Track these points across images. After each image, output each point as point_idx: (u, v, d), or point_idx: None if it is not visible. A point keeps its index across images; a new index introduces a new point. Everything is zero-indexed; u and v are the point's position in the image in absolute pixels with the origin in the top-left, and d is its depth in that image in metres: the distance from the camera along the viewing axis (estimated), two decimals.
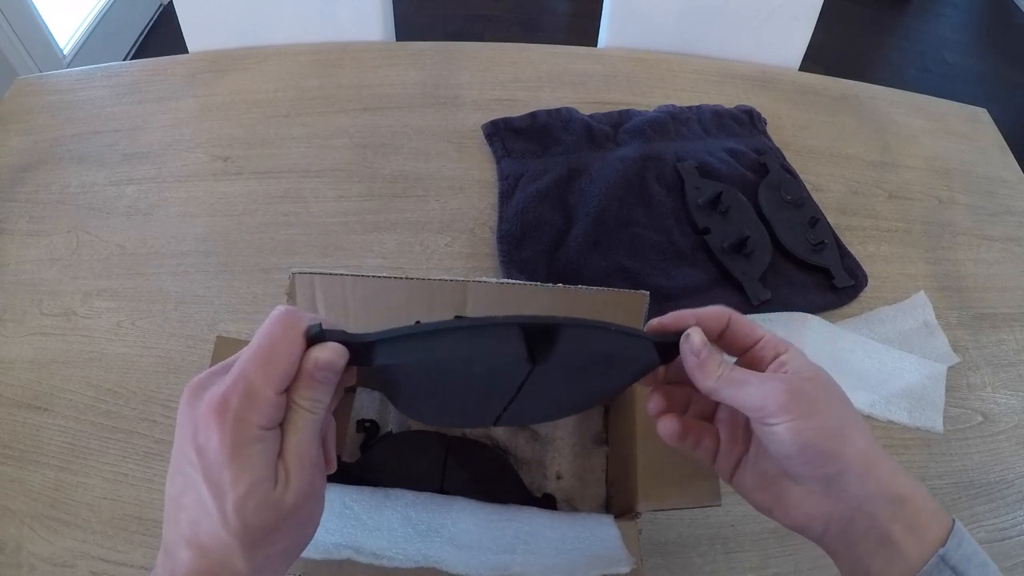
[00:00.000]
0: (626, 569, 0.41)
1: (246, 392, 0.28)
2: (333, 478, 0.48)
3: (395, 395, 0.36)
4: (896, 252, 0.76)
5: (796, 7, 0.98)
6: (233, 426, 0.27)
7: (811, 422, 0.30)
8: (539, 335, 0.31)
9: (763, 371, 0.33)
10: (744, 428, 0.36)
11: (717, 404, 0.37)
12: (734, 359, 0.35)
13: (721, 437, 0.37)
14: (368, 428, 0.55)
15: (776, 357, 0.33)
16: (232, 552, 0.27)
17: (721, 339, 0.35)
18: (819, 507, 0.31)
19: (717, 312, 0.35)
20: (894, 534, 0.29)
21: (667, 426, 0.36)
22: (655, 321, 0.36)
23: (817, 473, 0.31)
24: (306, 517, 0.29)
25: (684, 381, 0.35)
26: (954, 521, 0.30)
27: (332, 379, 0.30)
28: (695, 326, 0.34)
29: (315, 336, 0.31)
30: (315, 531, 0.30)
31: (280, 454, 0.28)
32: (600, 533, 0.43)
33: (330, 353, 0.30)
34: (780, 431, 0.30)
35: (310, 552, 0.39)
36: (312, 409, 0.29)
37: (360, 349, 0.31)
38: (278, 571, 0.29)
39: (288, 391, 0.29)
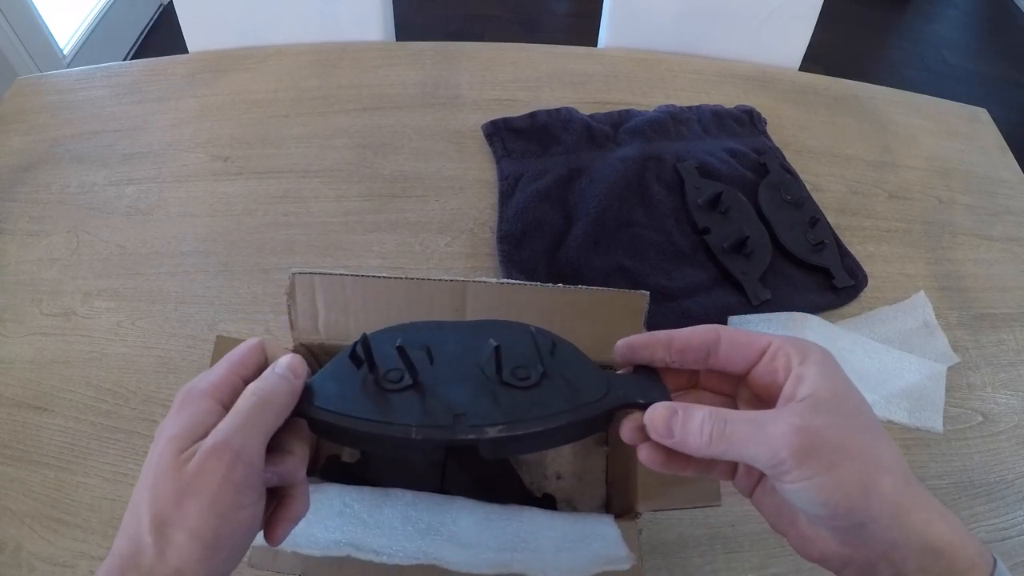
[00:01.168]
0: (626, 566, 0.41)
1: (206, 373, 0.31)
2: (333, 478, 0.48)
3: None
4: (896, 252, 0.76)
5: (796, 7, 0.98)
6: (186, 393, 0.30)
7: (831, 477, 0.25)
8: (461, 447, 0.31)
9: (779, 388, 0.28)
10: None
11: None
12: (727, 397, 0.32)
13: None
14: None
15: (790, 370, 0.28)
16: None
17: (713, 361, 0.31)
18: (839, 549, 0.28)
19: (699, 334, 0.30)
20: None
21: (648, 456, 0.31)
22: (622, 343, 0.32)
23: (839, 525, 0.27)
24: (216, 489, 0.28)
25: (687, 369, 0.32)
26: (996, 562, 0.26)
27: (292, 376, 0.31)
28: (657, 405, 0.29)
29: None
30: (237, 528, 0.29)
31: (214, 434, 0.28)
32: (600, 532, 0.43)
33: (290, 356, 0.32)
34: (796, 488, 0.26)
35: (310, 549, 0.39)
36: (263, 402, 0.29)
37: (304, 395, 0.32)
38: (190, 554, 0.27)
39: (248, 388, 0.30)
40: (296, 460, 0.31)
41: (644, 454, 0.31)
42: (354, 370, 0.33)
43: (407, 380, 0.32)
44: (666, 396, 0.31)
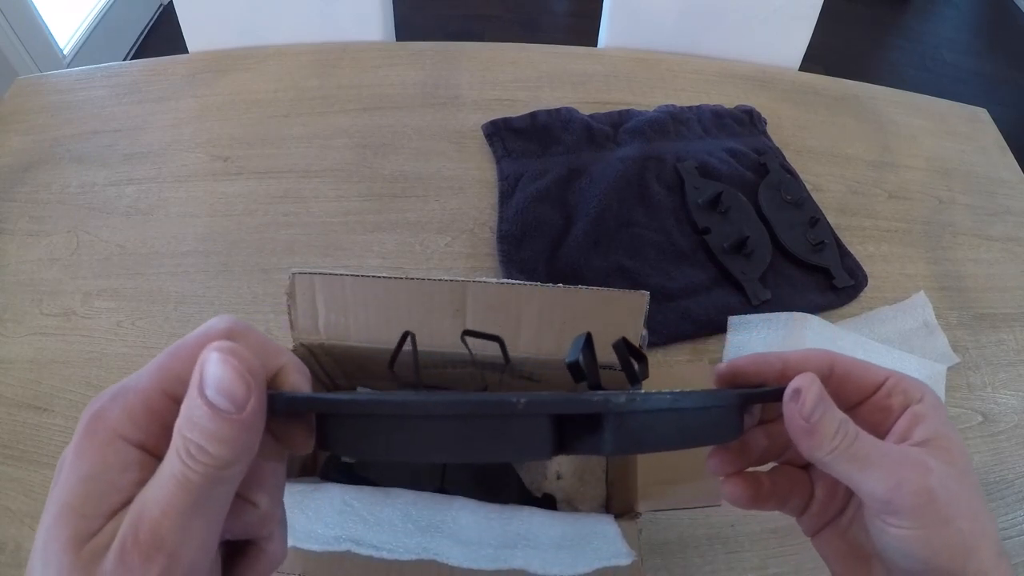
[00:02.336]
0: (627, 561, 0.41)
1: (122, 389, 0.20)
2: (332, 478, 0.48)
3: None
4: (896, 252, 0.76)
5: (796, 7, 0.98)
6: (90, 429, 0.19)
7: (942, 533, 0.24)
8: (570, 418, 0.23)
9: (889, 424, 0.26)
10: (846, 488, 0.28)
11: None
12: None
13: (816, 494, 0.29)
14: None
15: (906, 407, 0.26)
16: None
17: (828, 386, 0.27)
18: None
19: (814, 360, 0.27)
20: None
21: (734, 492, 0.28)
22: (724, 366, 0.29)
23: None
24: None
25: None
26: None
27: (231, 409, 0.19)
28: (808, 374, 0.25)
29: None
30: None
31: (134, 519, 0.18)
32: (600, 530, 0.43)
33: (223, 356, 0.19)
34: (901, 535, 0.24)
35: (310, 544, 0.39)
36: (188, 460, 0.18)
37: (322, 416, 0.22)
38: None
39: (176, 428, 0.19)
40: (261, 514, 0.22)
41: (731, 489, 0.28)
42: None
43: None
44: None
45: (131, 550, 0.18)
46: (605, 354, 0.29)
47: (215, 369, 0.19)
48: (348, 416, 0.21)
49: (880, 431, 0.27)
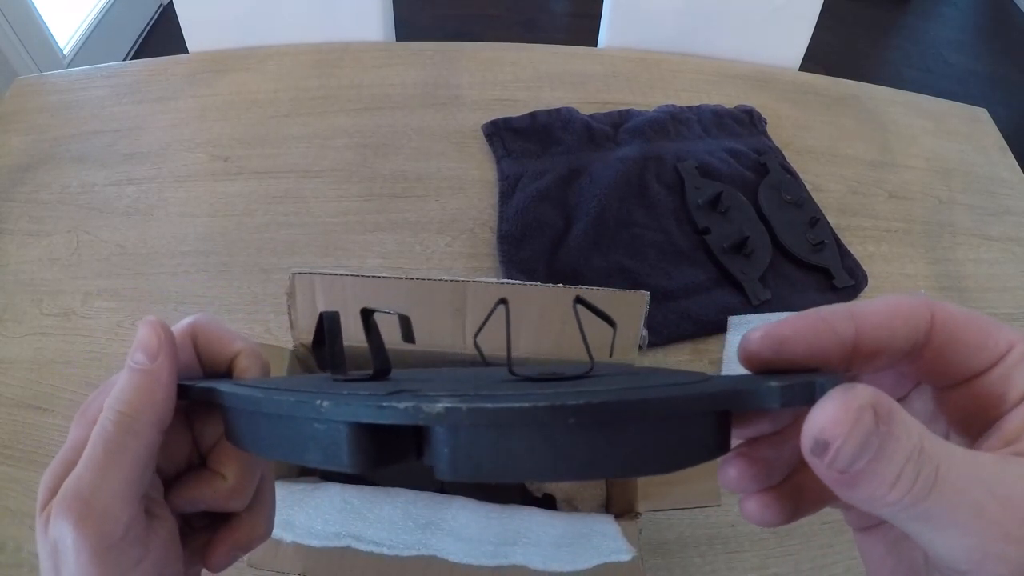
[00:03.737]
0: (627, 557, 0.41)
1: (105, 388, 0.23)
2: (332, 477, 0.48)
3: None
4: (896, 252, 0.76)
5: (796, 7, 0.98)
6: (78, 419, 0.23)
7: None
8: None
9: (996, 416, 0.18)
10: None
11: None
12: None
13: None
14: None
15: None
16: None
17: (919, 361, 0.19)
18: None
19: (905, 311, 0.18)
20: None
21: (756, 510, 0.20)
22: (758, 337, 0.19)
23: None
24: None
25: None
26: None
27: (146, 371, 0.22)
28: (845, 407, 0.15)
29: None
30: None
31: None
32: (600, 529, 0.43)
33: (146, 327, 0.22)
34: None
35: (310, 540, 0.39)
36: (107, 412, 0.22)
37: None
38: None
39: None
40: (229, 487, 0.24)
41: (754, 508, 0.20)
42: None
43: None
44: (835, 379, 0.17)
45: (57, 504, 0.20)
46: (605, 355, 0.27)
47: (141, 332, 0.22)
48: (227, 408, 0.21)
49: (980, 422, 0.19)
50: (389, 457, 0.18)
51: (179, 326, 0.24)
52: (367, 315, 0.22)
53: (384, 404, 0.16)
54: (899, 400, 0.20)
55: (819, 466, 0.16)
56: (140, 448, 0.21)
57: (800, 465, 0.21)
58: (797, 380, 0.16)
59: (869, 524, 0.22)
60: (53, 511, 0.20)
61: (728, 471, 0.20)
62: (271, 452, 0.20)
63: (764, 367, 0.19)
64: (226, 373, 0.25)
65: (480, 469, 0.16)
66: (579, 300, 0.22)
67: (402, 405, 0.16)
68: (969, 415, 0.19)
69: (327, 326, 0.24)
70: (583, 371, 0.21)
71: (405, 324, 0.23)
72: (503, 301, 0.22)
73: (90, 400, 0.23)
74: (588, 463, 0.16)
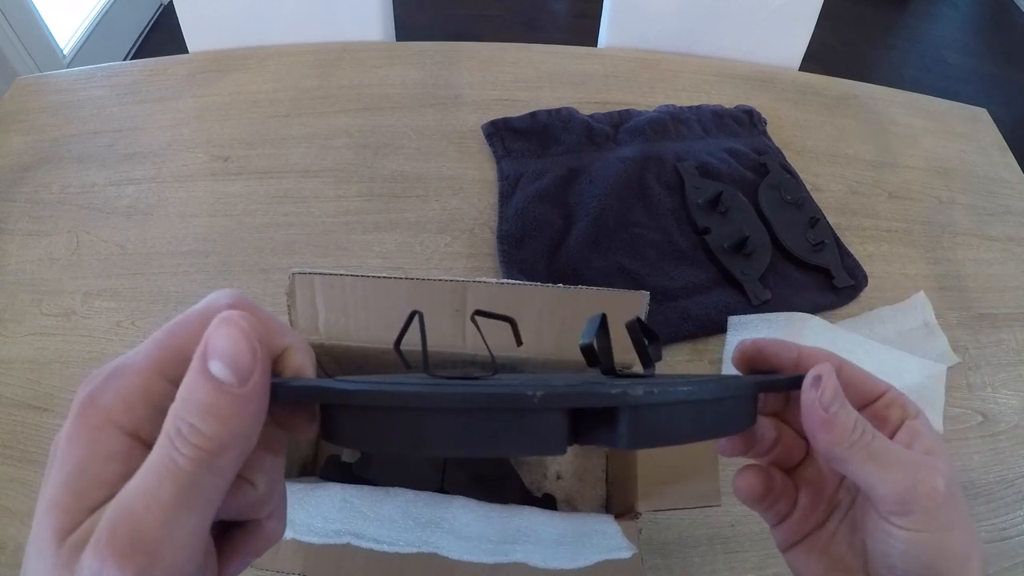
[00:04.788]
0: (627, 554, 0.41)
1: (117, 369, 0.19)
2: (332, 478, 0.48)
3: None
4: (896, 252, 0.76)
5: (796, 7, 0.98)
6: (82, 412, 0.18)
7: (947, 538, 0.24)
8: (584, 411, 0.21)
9: (886, 434, 0.26)
10: (830, 498, 0.29)
11: (807, 455, 0.30)
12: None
13: (800, 501, 0.29)
14: None
15: (903, 421, 0.26)
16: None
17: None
18: None
19: (823, 356, 0.27)
20: None
21: (747, 483, 0.29)
22: (750, 344, 0.28)
23: None
24: None
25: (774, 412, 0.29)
26: None
27: (234, 383, 0.17)
28: (826, 363, 0.26)
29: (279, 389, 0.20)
30: None
31: (113, 516, 0.17)
32: (600, 528, 0.43)
33: (230, 329, 0.18)
34: (909, 538, 0.24)
35: (310, 537, 0.39)
36: (179, 444, 0.17)
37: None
38: None
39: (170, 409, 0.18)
40: (259, 495, 0.21)
41: (743, 483, 0.29)
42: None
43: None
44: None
45: (105, 548, 0.16)
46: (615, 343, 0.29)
47: (221, 337, 0.17)
48: (356, 408, 0.20)
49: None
50: (584, 437, 0.21)
51: (217, 304, 0.20)
52: (476, 318, 0.24)
53: (597, 391, 0.20)
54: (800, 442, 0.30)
55: (812, 402, 0.25)
56: (219, 488, 0.18)
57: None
58: (786, 378, 0.26)
59: (797, 538, 0.29)
60: (97, 552, 0.16)
61: (723, 442, 0.29)
62: (449, 449, 0.20)
63: (745, 364, 0.29)
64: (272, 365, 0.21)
65: (656, 437, 0.21)
66: (477, 312, 0.25)
67: (614, 391, 0.20)
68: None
69: (419, 325, 0.23)
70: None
71: (514, 328, 0.27)
72: (416, 313, 0.24)
73: (91, 392, 0.19)
74: (716, 427, 0.24)
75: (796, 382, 0.26)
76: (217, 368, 0.17)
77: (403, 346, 0.24)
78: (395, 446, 0.20)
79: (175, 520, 0.17)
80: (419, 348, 0.24)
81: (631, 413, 0.21)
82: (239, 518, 0.21)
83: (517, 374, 0.24)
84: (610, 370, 0.27)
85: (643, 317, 0.48)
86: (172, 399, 0.18)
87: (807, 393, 0.25)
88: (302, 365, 0.22)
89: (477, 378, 0.24)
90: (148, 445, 0.18)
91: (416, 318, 0.23)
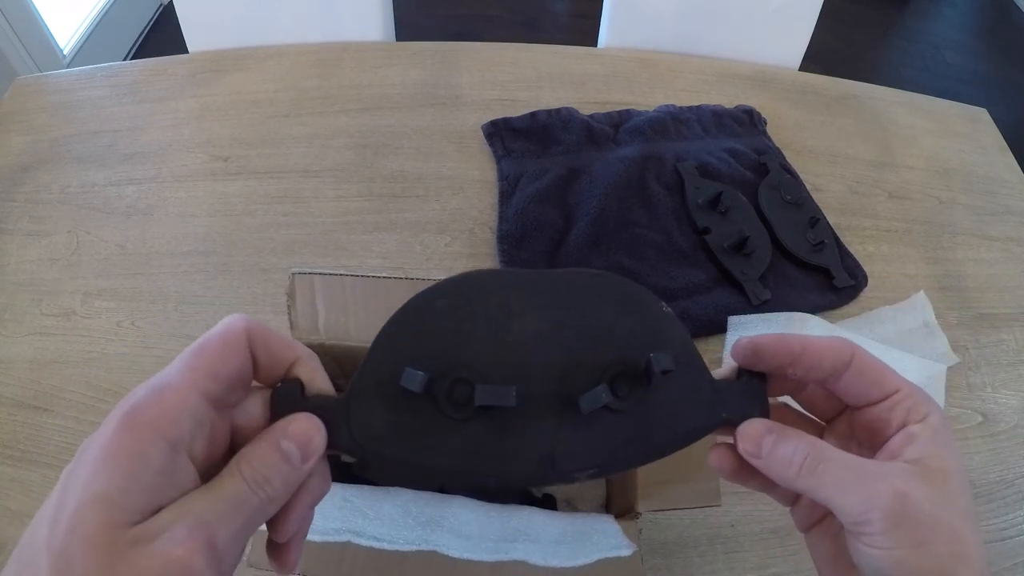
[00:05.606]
0: (627, 552, 0.41)
1: (157, 387, 0.22)
2: (332, 477, 0.48)
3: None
4: (896, 252, 0.76)
5: (796, 7, 0.98)
6: (127, 425, 0.21)
7: (915, 555, 0.23)
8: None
9: (885, 438, 0.26)
10: None
11: (822, 430, 0.30)
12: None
13: None
14: None
15: (904, 426, 0.26)
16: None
17: (833, 383, 0.28)
18: None
19: (836, 346, 0.27)
20: None
21: (718, 460, 0.29)
22: (746, 341, 0.29)
23: None
24: None
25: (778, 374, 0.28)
26: None
27: (297, 461, 0.23)
28: (752, 421, 0.27)
29: (284, 394, 0.25)
30: None
31: (180, 510, 0.21)
32: (601, 528, 0.43)
33: (305, 424, 0.24)
34: (874, 554, 0.24)
35: (310, 535, 0.40)
36: (254, 487, 0.22)
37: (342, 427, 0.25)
38: None
39: (238, 459, 0.23)
40: (318, 479, 0.26)
41: (716, 457, 0.29)
42: (402, 390, 0.25)
43: (471, 401, 0.26)
44: (766, 410, 0.28)
45: (183, 543, 0.20)
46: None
47: (300, 428, 0.24)
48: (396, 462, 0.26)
49: (875, 440, 0.27)
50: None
51: (233, 330, 0.25)
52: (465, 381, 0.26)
53: (545, 474, 0.27)
54: (828, 422, 0.30)
55: (747, 455, 0.26)
56: (269, 516, 0.23)
57: None
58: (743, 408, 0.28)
59: (812, 521, 0.29)
60: (175, 544, 0.20)
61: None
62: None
63: (743, 363, 0.29)
64: (282, 377, 0.26)
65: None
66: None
67: (557, 483, 0.27)
68: (870, 433, 0.27)
69: (424, 384, 0.26)
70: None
71: None
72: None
73: (135, 405, 0.22)
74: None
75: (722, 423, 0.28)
76: (290, 448, 0.23)
77: None
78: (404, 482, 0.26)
79: (238, 540, 0.22)
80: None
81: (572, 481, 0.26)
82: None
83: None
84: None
85: None
86: (207, 412, 0.23)
87: (739, 450, 0.27)
88: (309, 374, 0.26)
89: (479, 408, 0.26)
90: (189, 455, 0.22)
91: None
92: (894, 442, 0.26)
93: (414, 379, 0.25)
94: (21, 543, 0.20)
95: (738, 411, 0.28)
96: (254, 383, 0.26)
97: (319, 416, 0.25)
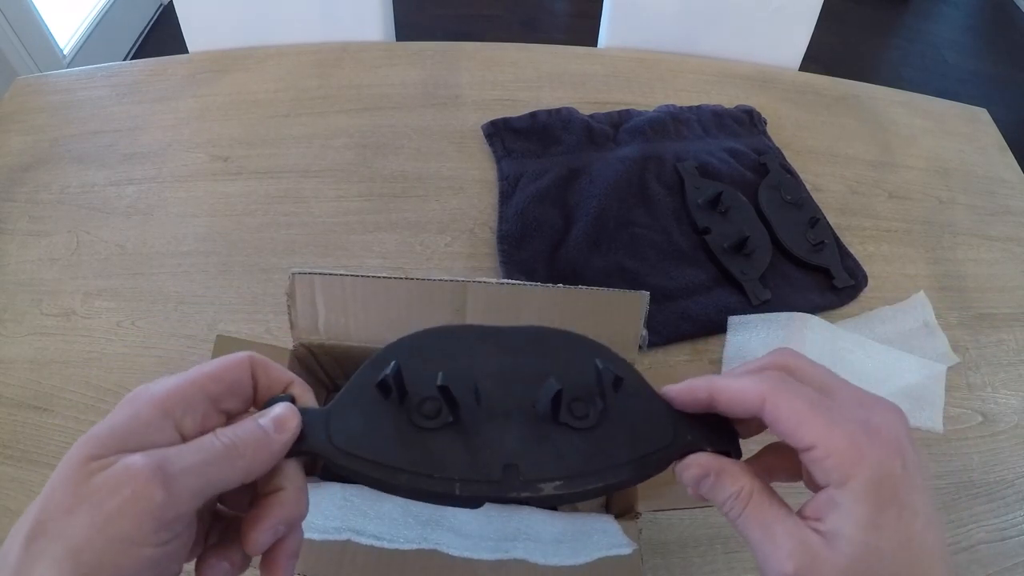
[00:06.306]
0: (628, 550, 0.41)
1: (162, 378, 0.26)
2: (332, 478, 0.48)
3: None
4: (896, 252, 0.76)
5: (796, 7, 0.98)
6: (133, 394, 0.25)
7: None
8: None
9: (816, 490, 0.25)
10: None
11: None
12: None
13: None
14: None
15: (826, 486, 0.24)
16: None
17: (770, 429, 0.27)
18: None
19: (744, 394, 0.26)
20: None
21: (687, 472, 0.29)
22: (702, 388, 0.28)
23: None
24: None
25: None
26: None
27: (270, 430, 0.26)
28: (695, 458, 0.28)
29: (276, 402, 0.28)
30: None
31: (148, 452, 0.23)
32: (600, 527, 0.43)
33: (283, 409, 0.27)
34: None
35: (310, 534, 0.40)
36: (221, 438, 0.25)
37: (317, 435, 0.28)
38: None
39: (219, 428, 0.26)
40: (292, 493, 0.27)
41: (683, 473, 0.29)
42: (381, 399, 0.28)
43: (446, 416, 0.28)
44: (735, 441, 0.29)
45: (132, 465, 0.22)
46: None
47: (278, 411, 0.27)
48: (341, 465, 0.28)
49: (814, 483, 0.26)
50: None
51: (238, 357, 0.28)
52: (444, 389, 0.27)
53: (502, 495, 0.27)
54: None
55: (692, 495, 0.28)
56: (227, 477, 0.25)
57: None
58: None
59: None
60: (127, 463, 0.22)
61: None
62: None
63: (683, 408, 0.29)
64: (277, 393, 0.29)
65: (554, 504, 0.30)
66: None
67: (522, 494, 0.27)
68: (809, 476, 0.26)
69: (395, 381, 0.28)
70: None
71: None
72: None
73: (141, 388, 0.25)
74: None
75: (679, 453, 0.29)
76: (266, 423, 0.26)
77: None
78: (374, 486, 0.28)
79: (192, 474, 0.23)
80: None
81: (539, 499, 0.27)
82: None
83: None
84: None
85: (643, 317, 0.48)
86: (201, 403, 0.26)
87: (685, 484, 0.29)
88: (303, 395, 0.29)
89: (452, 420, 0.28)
90: (176, 425, 0.25)
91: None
92: (814, 503, 0.25)
93: (386, 366, 0.27)
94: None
95: (704, 438, 0.29)
96: (252, 409, 0.29)
97: (302, 419, 0.27)
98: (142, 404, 0.24)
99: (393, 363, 0.27)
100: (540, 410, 0.28)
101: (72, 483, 0.22)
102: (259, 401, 0.29)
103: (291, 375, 0.29)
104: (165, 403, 0.25)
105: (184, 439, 0.25)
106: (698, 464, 0.28)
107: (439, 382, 0.27)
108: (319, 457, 0.27)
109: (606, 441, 0.28)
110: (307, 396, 0.29)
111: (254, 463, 0.25)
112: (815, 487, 0.25)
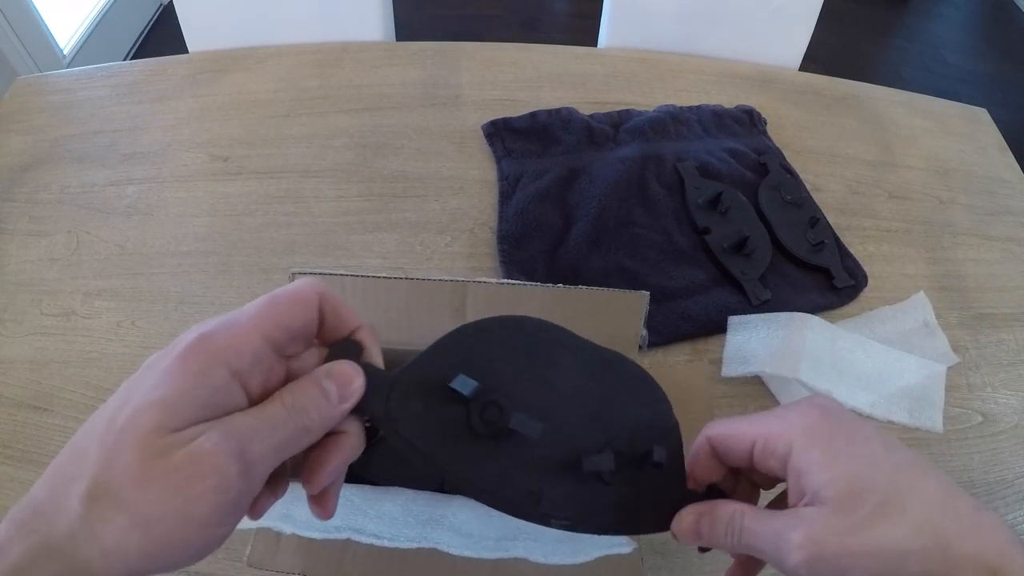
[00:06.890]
0: (627, 550, 0.41)
1: (229, 322, 0.25)
2: None
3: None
4: (896, 252, 0.76)
5: (796, 7, 0.98)
6: (196, 347, 0.24)
7: None
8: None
9: (788, 487, 0.29)
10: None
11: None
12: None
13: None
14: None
15: (785, 465, 0.28)
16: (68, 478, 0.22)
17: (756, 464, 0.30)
18: None
19: (695, 456, 0.32)
20: None
21: (681, 527, 0.32)
22: (702, 445, 0.32)
23: None
24: (180, 522, 0.22)
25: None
26: None
27: (335, 399, 0.26)
28: (684, 515, 0.31)
29: (342, 349, 0.28)
30: (185, 555, 0.23)
31: (220, 422, 0.23)
32: None
33: (347, 368, 0.26)
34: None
35: (310, 532, 0.40)
36: (291, 412, 0.25)
37: (382, 398, 0.28)
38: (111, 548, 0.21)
39: (282, 391, 0.26)
40: (354, 437, 0.28)
41: (677, 527, 0.32)
42: (448, 395, 0.29)
43: (501, 428, 0.29)
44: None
45: (216, 450, 0.22)
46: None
47: (342, 370, 0.26)
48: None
49: (785, 497, 0.29)
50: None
51: (307, 291, 0.27)
52: (501, 408, 0.29)
53: (521, 514, 0.30)
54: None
55: (693, 544, 0.31)
56: (293, 447, 0.25)
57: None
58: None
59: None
60: (211, 447, 0.22)
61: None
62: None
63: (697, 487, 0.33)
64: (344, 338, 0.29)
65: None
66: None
67: (532, 520, 0.30)
68: (780, 498, 0.30)
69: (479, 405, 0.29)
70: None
71: None
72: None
73: (206, 333, 0.25)
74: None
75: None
76: (331, 387, 0.26)
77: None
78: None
79: (269, 456, 0.24)
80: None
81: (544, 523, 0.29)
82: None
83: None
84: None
85: (643, 317, 0.48)
86: (268, 355, 0.25)
87: (683, 541, 0.31)
88: (370, 346, 0.29)
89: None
90: (243, 386, 0.24)
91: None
92: (791, 486, 0.28)
93: (466, 385, 0.28)
94: (76, 437, 0.23)
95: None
96: (315, 342, 0.28)
97: (366, 378, 0.27)
98: (209, 362, 0.24)
99: (475, 385, 0.28)
100: (585, 467, 0.30)
101: (144, 454, 0.22)
102: (323, 339, 0.28)
103: (360, 320, 0.29)
104: (233, 362, 0.24)
105: (250, 400, 0.25)
106: (688, 512, 0.30)
107: (513, 415, 0.28)
108: (373, 419, 0.28)
109: (622, 500, 0.31)
110: (374, 349, 0.29)
111: (319, 433, 0.26)
112: (790, 486, 0.28)
